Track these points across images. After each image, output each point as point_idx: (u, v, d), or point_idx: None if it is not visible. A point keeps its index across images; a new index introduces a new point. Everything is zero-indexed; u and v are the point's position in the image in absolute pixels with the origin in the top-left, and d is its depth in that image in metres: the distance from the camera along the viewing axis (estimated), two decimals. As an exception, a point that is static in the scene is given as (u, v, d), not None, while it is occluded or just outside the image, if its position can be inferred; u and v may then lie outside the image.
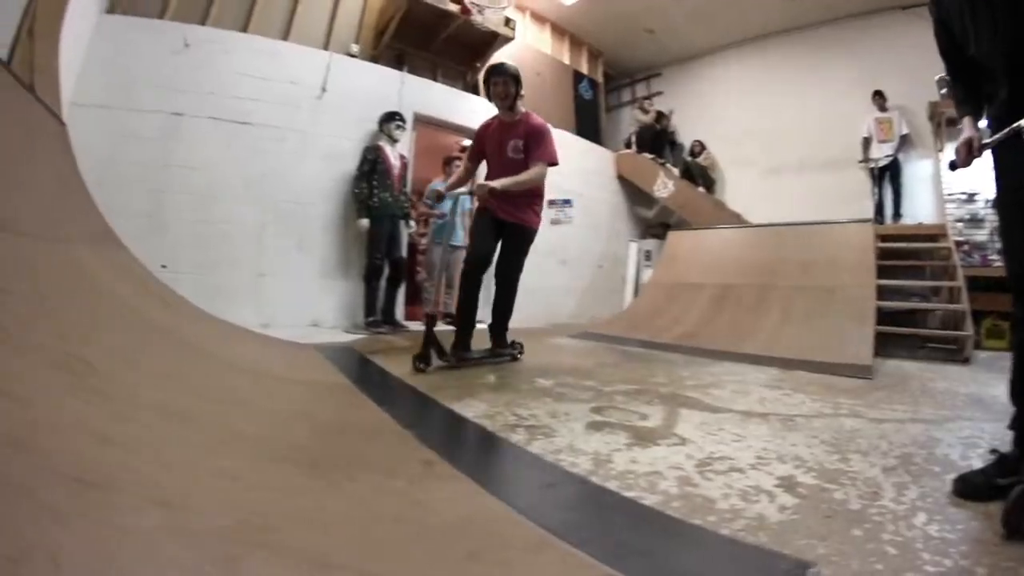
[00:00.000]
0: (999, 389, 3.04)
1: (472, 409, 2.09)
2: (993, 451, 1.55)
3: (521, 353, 3.48)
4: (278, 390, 2.17)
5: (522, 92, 3.32)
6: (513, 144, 3.25)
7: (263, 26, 5.05)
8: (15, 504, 0.72)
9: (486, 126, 3.44)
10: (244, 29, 4.92)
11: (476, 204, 3.64)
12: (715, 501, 1.29)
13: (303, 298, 4.81)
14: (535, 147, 3.20)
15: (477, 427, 1.88)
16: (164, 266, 3.87)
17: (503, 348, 3.41)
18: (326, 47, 5.42)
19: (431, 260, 5.34)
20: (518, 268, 3.35)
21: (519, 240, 3.31)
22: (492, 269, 3.34)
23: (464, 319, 3.23)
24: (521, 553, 1.01)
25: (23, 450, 0.88)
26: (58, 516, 0.75)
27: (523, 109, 3.34)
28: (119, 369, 1.52)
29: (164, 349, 2.04)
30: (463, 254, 3.81)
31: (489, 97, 3.34)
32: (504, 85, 3.22)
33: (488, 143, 3.38)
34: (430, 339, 2.94)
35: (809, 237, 5.39)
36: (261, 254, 4.63)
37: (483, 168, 3.51)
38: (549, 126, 3.34)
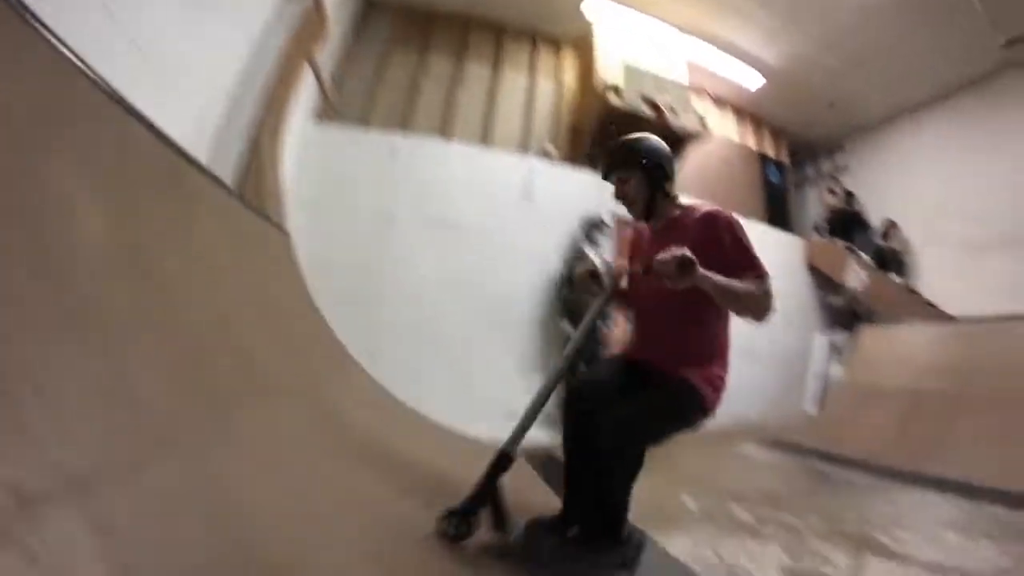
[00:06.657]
0: None
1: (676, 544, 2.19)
2: None
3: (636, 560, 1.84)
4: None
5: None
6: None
7: (462, 130, 5.66)
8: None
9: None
10: (443, 134, 5.53)
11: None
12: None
13: (502, 392, 4.74)
14: (733, 251, 1.86)
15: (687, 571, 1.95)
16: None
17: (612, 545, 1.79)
18: (523, 147, 5.91)
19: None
20: (651, 434, 1.77)
21: (673, 398, 1.80)
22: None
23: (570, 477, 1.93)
24: None
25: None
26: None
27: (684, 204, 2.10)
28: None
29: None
30: None
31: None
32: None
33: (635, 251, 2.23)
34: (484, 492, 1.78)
35: (1008, 335, 4.17)
36: (465, 349, 5.01)
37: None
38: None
